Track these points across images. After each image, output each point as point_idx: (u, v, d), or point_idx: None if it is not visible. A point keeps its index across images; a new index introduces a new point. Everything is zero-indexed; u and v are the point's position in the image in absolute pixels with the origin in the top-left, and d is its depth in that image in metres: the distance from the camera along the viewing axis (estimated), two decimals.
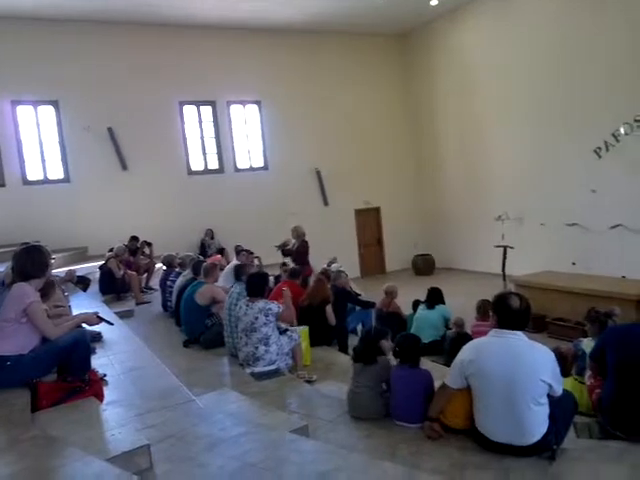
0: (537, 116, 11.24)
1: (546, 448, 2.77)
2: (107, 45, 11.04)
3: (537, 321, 8.00)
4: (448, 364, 5.13)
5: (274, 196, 12.76)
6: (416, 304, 7.39)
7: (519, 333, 2.89)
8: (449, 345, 6.08)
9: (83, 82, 10.79)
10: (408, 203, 14.85)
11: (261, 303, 4.69)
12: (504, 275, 10.86)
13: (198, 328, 5.64)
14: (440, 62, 13.71)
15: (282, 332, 4.78)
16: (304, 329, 5.22)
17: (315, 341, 5.46)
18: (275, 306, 4.72)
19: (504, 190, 12.23)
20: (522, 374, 2.75)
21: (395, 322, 7.00)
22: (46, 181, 10.87)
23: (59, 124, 10.91)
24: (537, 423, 2.76)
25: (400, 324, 7.00)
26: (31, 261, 3.41)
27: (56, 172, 10.97)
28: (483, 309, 6.30)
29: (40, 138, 10.87)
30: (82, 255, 10.33)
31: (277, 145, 13.07)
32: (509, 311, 2.90)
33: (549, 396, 2.81)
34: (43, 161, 10.89)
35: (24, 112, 10.72)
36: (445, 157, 14.08)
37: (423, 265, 14.15)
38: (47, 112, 10.88)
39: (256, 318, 4.60)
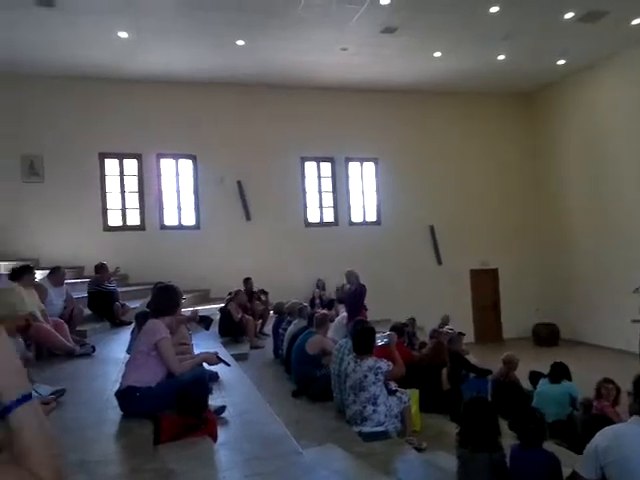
0: None
1: None
2: (239, 105, 12.02)
3: None
4: (574, 449, 4.60)
5: (386, 251, 12.73)
6: (534, 377, 6.78)
7: None
8: (581, 428, 5.43)
9: (218, 139, 11.84)
10: (529, 267, 13.95)
11: (370, 361, 4.55)
12: None
13: (307, 378, 5.65)
14: (568, 121, 13.06)
15: (391, 392, 4.62)
16: (414, 392, 5.00)
17: (425, 406, 5.20)
18: (385, 364, 4.57)
19: None
20: None
21: (513, 395, 6.48)
22: (180, 227, 11.92)
23: (195, 176, 12.03)
24: None
25: (519, 397, 6.44)
26: (165, 299, 3.71)
27: (189, 219, 12.01)
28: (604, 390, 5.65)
29: (178, 188, 12.03)
30: (205, 297, 10.99)
31: (391, 200, 13.15)
32: None
33: None
34: (179, 208, 11.99)
35: (166, 164, 11.97)
36: (572, 223, 13.13)
37: (546, 334, 13.05)
38: (186, 165, 12.06)
39: (365, 376, 4.48)
